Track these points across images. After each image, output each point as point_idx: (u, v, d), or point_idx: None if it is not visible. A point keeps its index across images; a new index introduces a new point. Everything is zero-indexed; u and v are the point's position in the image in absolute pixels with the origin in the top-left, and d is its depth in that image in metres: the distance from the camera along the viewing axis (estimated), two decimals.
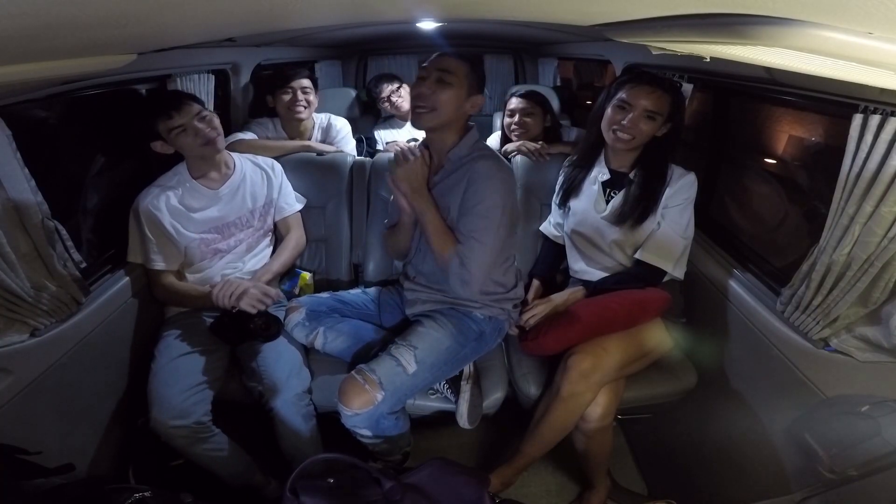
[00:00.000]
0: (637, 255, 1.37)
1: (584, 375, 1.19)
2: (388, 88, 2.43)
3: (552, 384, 1.28)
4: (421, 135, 2.24)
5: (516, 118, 1.86)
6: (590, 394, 1.21)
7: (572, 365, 1.20)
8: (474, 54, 3.39)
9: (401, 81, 2.49)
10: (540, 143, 1.75)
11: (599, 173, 1.44)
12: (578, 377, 1.19)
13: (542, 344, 1.31)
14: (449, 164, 1.26)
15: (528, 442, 1.32)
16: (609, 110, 1.32)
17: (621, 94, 1.29)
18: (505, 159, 1.43)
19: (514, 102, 1.89)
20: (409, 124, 2.46)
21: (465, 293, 1.23)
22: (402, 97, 2.45)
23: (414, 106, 1.19)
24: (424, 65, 1.20)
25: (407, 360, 1.20)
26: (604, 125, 1.34)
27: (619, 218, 1.36)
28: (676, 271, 1.36)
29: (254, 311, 1.30)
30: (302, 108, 1.85)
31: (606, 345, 1.24)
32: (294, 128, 1.93)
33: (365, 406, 1.15)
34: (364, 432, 1.23)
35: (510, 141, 1.87)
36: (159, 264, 1.40)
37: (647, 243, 1.36)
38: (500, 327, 1.40)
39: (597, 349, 1.22)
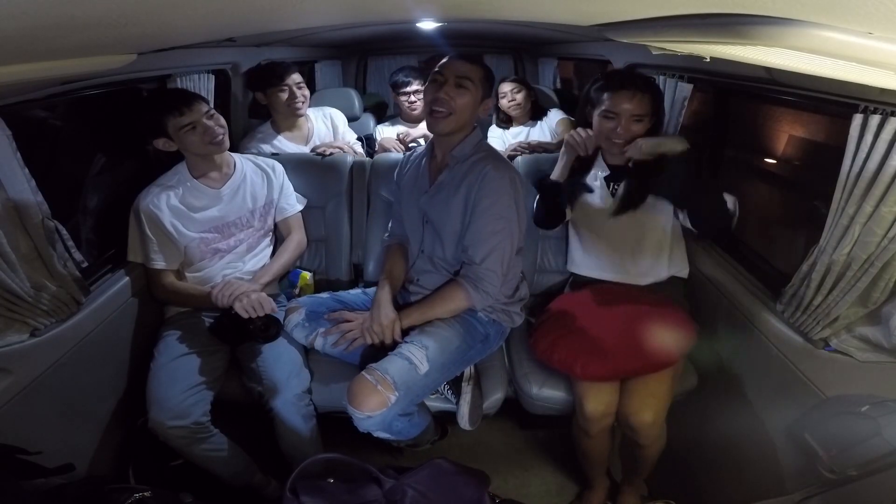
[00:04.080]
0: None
1: (653, 425, 1.22)
2: (415, 86, 2.30)
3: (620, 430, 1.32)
4: (417, 133, 2.27)
5: (509, 96, 2.28)
6: (659, 427, 1.24)
7: (638, 427, 1.21)
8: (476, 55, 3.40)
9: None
10: (536, 142, 2.09)
11: (599, 170, 1.45)
12: (650, 428, 1.22)
13: (569, 365, 1.27)
14: (453, 161, 1.28)
15: (634, 472, 1.42)
16: (598, 119, 1.35)
17: (605, 104, 1.31)
18: None
19: (504, 87, 2.30)
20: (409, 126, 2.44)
21: (490, 301, 1.26)
22: (420, 104, 2.31)
23: (431, 110, 1.21)
24: (439, 69, 1.21)
25: (419, 359, 1.18)
26: (598, 136, 1.36)
27: (627, 204, 1.38)
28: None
29: (246, 316, 1.30)
30: (300, 104, 1.89)
31: (655, 391, 1.23)
32: (291, 123, 1.96)
33: (379, 408, 1.11)
34: (380, 435, 1.20)
35: (510, 121, 2.34)
36: (159, 263, 1.40)
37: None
38: (503, 331, 1.41)
39: (651, 401, 1.22)
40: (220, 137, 1.38)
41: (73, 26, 0.54)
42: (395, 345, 1.25)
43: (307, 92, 1.92)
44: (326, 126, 2.10)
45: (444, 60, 1.22)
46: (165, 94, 1.45)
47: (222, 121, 1.41)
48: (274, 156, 1.75)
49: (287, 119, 1.94)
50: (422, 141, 2.24)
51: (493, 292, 1.25)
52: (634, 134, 1.30)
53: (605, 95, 1.31)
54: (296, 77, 1.87)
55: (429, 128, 1.27)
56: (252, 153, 1.79)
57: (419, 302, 1.33)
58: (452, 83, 1.19)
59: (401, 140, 2.24)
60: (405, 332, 1.30)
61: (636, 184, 1.37)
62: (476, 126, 1.30)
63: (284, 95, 1.85)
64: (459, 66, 1.20)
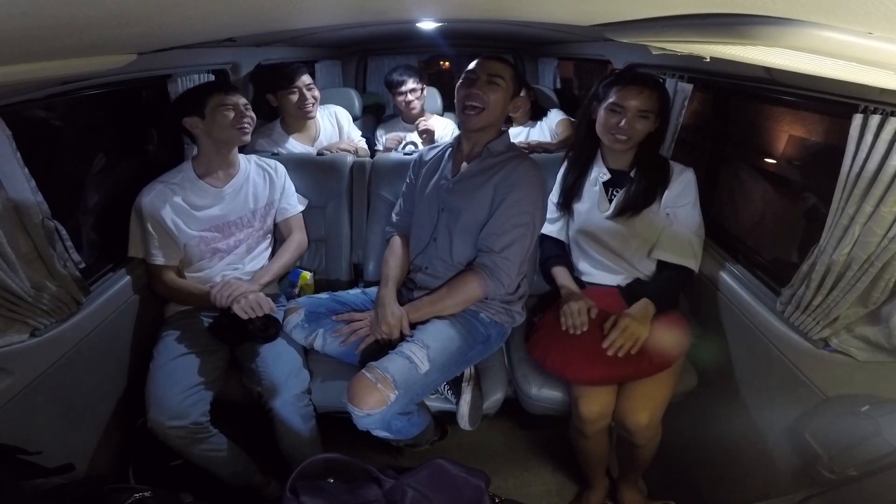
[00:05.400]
0: (655, 256, 1.37)
1: (648, 428, 1.22)
2: (411, 84, 2.22)
3: (617, 430, 1.31)
4: (415, 138, 2.26)
5: None
6: (654, 429, 1.24)
7: (634, 429, 1.22)
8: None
9: (423, 83, 2.28)
10: (536, 142, 2.07)
11: (599, 174, 1.44)
12: (646, 430, 1.22)
13: (560, 369, 1.27)
14: (487, 153, 1.32)
15: (630, 470, 1.42)
16: (603, 114, 1.34)
17: (612, 98, 1.31)
18: None
19: None
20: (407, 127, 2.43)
21: (502, 290, 1.28)
22: (419, 101, 2.28)
23: (464, 106, 1.25)
24: (472, 68, 1.27)
25: (420, 358, 1.18)
26: (600, 130, 1.35)
27: (625, 208, 1.38)
28: (693, 264, 1.36)
29: (245, 317, 1.30)
30: (311, 106, 1.90)
31: (651, 394, 1.24)
32: (302, 125, 1.96)
33: (378, 406, 1.11)
34: (379, 433, 1.20)
35: (510, 121, 2.23)
36: (159, 259, 1.40)
37: (662, 243, 1.36)
38: (504, 332, 1.41)
39: (647, 403, 1.22)
40: (248, 127, 1.42)
41: (73, 26, 0.54)
42: (400, 340, 1.26)
43: (317, 93, 1.92)
44: (332, 125, 2.12)
45: (477, 60, 1.27)
46: (213, 81, 1.56)
47: (254, 115, 1.45)
48: (275, 155, 1.75)
49: (298, 120, 1.95)
50: (418, 142, 2.24)
51: (508, 283, 1.26)
52: (638, 131, 1.30)
53: (614, 90, 1.31)
54: (305, 79, 1.87)
55: (462, 124, 1.31)
56: (266, 152, 1.82)
57: (428, 295, 1.33)
58: (485, 80, 1.23)
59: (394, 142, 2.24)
60: (412, 327, 1.30)
61: (637, 189, 1.36)
62: (505, 130, 1.36)
63: (294, 97, 1.86)
64: (491, 64, 1.25)
